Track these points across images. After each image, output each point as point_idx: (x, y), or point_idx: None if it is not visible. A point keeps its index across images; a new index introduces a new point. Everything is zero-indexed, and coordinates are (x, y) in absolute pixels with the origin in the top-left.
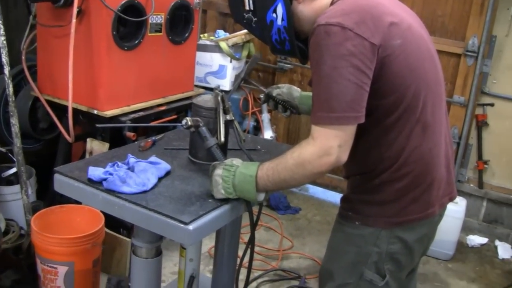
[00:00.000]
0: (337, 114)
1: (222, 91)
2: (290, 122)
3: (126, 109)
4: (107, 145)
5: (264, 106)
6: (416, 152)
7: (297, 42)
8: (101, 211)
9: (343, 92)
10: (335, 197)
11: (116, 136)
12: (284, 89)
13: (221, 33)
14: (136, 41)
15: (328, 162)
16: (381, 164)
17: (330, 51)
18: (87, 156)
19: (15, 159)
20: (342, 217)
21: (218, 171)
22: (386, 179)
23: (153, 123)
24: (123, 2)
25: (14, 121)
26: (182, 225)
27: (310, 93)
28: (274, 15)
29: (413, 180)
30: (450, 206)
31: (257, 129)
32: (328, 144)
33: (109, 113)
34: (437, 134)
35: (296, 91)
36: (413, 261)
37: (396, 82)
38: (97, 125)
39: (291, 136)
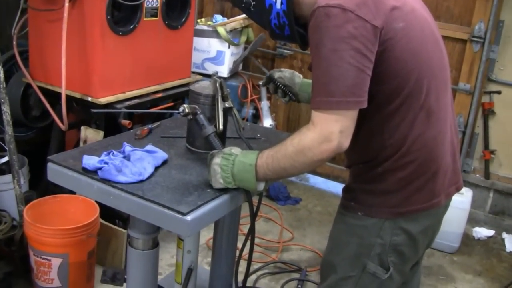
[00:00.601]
0: (337, 98)
1: (220, 77)
2: (290, 110)
3: (121, 96)
4: (101, 133)
5: (264, 93)
6: (420, 140)
7: (296, 27)
8: (96, 201)
9: (343, 76)
10: (337, 187)
11: (111, 124)
12: (286, 74)
13: (219, 18)
14: (131, 26)
15: (329, 148)
16: (383, 152)
17: (330, 33)
18: (81, 144)
19: (6, 148)
20: (344, 208)
21: (217, 160)
22: (389, 167)
23: (149, 110)
24: None
25: (6, 108)
26: (179, 216)
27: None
28: None
29: (417, 168)
30: (455, 197)
31: (256, 117)
32: (328, 129)
33: (103, 100)
34: (442, 121)
35: (298, 77)
36: (417, 254)
37: (398, 67)
38: (92, 110)
39: (291, 124)
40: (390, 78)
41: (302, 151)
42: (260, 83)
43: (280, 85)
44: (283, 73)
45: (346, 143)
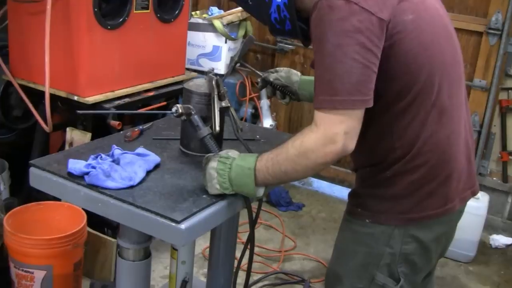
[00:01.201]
0: (342, 97)
1: (216, 74)
2: (291, 109)
3: (110, 95)
4: (89, 135)
5: (263, 92)
6: (432, 140)
7: (298, 22)
8: (83, 209)
9: (348, 73)
10: (342, 192)
11: (99, 125)
12: (282, 73)
13: (215, 10)
14: (120, 19)
15: (333, 150)
16: (392, 154)
17: (333, 27)
18: (66, 147)
19: None
20: (351, 214)
21: (213, 164)
22: (398, 170)
23: (140, 111)
24: None
25: None
26: (173, 224)
27: (311, 77)
28: None
29: (429, 171)
30: (470, 202)
31: (256, 116)
32: (332, 130)
33: (91, 99)
34: (456, 120)
35: (296, 75)
36: (430, 263)
37: (407, 62)
38: (78, 111)
39: (293, 125)
40: (399, 74)
41: (305, 153)
42: (260, 78)
43: (278, 87)
44: (279, 73)
45: (351, 145)
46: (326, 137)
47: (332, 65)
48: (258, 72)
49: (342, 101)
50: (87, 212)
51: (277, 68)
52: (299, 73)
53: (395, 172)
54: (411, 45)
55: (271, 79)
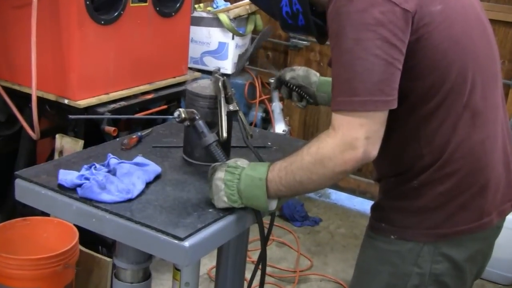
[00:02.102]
0: (362, 97)
1: (223, 74)
2: (306, 112)
3: (104, 98)
4: (81, 142)
5: (275, 93)
6: (465, 146)
7: (312, 17)
8: (75, 225)
9: (369, 71)
10: (364, 205)
11: (93, 131)
12: (299, 72)
13: (220, 3)
14: (116, 13)
15: (353, 157)
16: (420, 161)
17: (352, 20)
18: (56, 156)
19: None
20: (373, 230)
21: (220, 174)
22: (427, 180)
23: (138, 115)
24: None
25: None
26: (176, 242)
27: (330, 79)
28: None
29: (461, 180)
30: (510, 216)
31: (267, 121)
32: (352, 135)
33: (83, 102)
34: (491, 123)
35: (315, 75)
36: (464, 286)
37: (436, 58)
38: (69, 116)
39: (308, 130)
40: (427, 72)
41: (321, 161)
42: (271, 80)
43: (294, 87)
44: (296, 72)
45: (373, 151)
46: (345, 143)
47: (351, 62)
48: (274, 70)
49: (362, 102)
50: (79, 228)
51: (294, 67)
52: (318, 73)
53: (423, 182)
54: (440, 38)
55: (287, 78)
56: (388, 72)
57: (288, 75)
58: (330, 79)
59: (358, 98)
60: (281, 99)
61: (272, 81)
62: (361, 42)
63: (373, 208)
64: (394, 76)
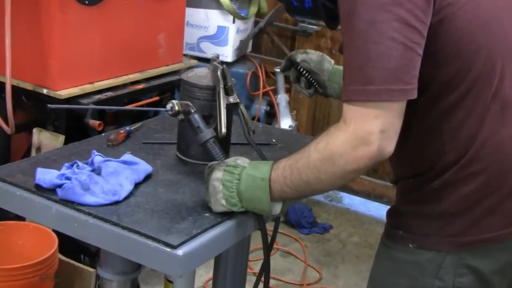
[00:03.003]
0: (377, 86)
1: (222, 63)
2: (316, 105)
3: (88, 87)
4: (62, 137)
5: (281, 84)
6: (493, 142)
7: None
8: (54, 230)
9: (384, 56)
10: (380, 210)
11: (75, 125)
12: (313, 56)
13: None
14: None
15: (366, 153)
16: (442, 159)
17: None
18: (33, 153)
19: None
20: (390, 238)
21: (218, 174)
22: (449, 180)
23: (126, 107)
24: None
25: None
26: (168, 250)
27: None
28: None
29: (489, 181)
30: None
31: (271, 115)
32: (365, 128)
33: (64, 93)
34: None
35: (328, 62)
36: None
37: (461, 43)
38: (48, 105)
39: (318, 125)
40: (451, 58)
41: (331, 158)
42: (277, 69)
43: (304, 72)
44: (309, 56)
45: (389, 146)
46: (358, 137)
47: (365, 46)
48: (285, 49)
49: (377, 91)
50: (58, 234)
51: (308, 50)
52: (332, 61)
53: (445, 183)
54: (466, 20)
55: (298, 60)
56: (406, 57)
57: (300, 57)
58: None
59: (372, 86)
60: (287, 91)
61: (278, 70)
62: (376, 24)
63: (389, 213)
64: (413, 62)
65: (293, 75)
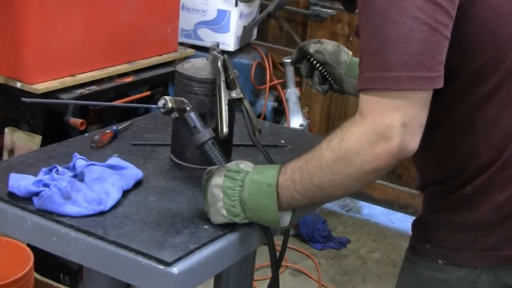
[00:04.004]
0: (397, 73)
1: (223, 52)
2: (331, 101)
3: (69, 81)
4: (38, 138)
5: (291, 76)
6: None
7: None
8: (29, 245)
9: (406, 38)
10: (405, 222)
11: (54, 124)
12: (328, 47)
13: None
14: None
15: (386, 150)
16: (475, 161)
17: None
18: (5, 156)
19: None
20: (415, 253)
21: (217, 180)
22: (484, 186)
23: (113, 103)
24: None
25: None
26: (161, 267)
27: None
28: None
29: None
30: None
31: (280, 113)
32: (384, 121)
33: (41, 87)
34: None
35: (346, 53)
36: None
37: (495, 25)
38: (22, 99)
39: (333, 124)
40: (482, 43)
41: (346, 157)
42: (287, 60)
43: (318, 65)
44: (324, 46)
45: (412, 142)
46: (376, 132)
47: (384, 27)
48: (297, 37)
49: (397, 78)
50: (35, 250)
51: (323, 40)
52: (350, 52)
53: (479, 188)
54: (501, 0)
55: (311, 51)
56: (431, 40)
57: (313, 47)
58: None
59: (391, 73)
60: (298, 85)
61: (287, 61)
62: (397, 1)
63: (415, 224)
64: (439, 46)
65: (305, 68)
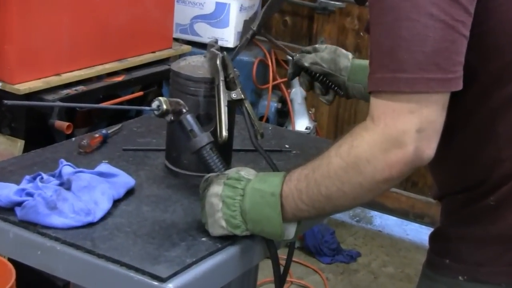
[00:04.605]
0: (410, 74)
1: (222, 49)
2: (340, 102)
3: (54, 80)
4: (21, 143)
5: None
6: None
7: None
8: (11, 260)
9: (420, 36)
10: (421, 233)
11: (38, 127)
12: (324, 54)
13: None
14: None
15: (400, 158)
16: (498, 169)
17: None
18: None
19: None
20: (433, 268)
21: (216, 189)
22: (508, 196)
23: (102, 105)
24: None
25: None
26: (156, 283)
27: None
28: None
29: None
30: None
31: (284, 114)
32: (398, 126)
33: (23, 87)
34: None
35: (345, 57)
36: None
37: None
38: (4, 101)
39: (342, 127)
40: (505, 41)
41: (356, 165)
42: (290, 58)
43: (317, 76)
44: (320, 55)
45: (428, 149)
46: (389, 138)
47: (396, 24)
48: (289, 52)
49: (410, 80)
50: (17, 265)
51: (317, 46)
52: (350, 55)
53: (503, 199)
54: None
55: (306, 64)
56: (447, 39)
57: (308, 59)
58: (367, 62)
59: (405, 74)
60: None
61: (291, 58)
62: None
63: (432, 237)
64: (456, 45)
65: (304, 82)
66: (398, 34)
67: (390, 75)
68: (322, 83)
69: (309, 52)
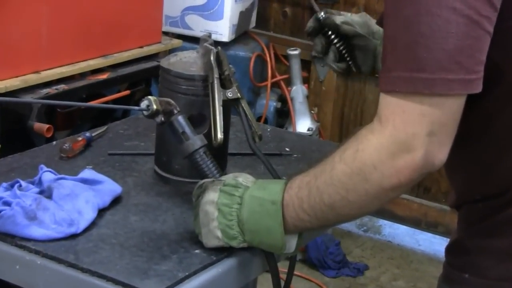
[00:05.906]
0: (430, 74)
1: (216, 43)
2: (345, 100)
3: (32, 78)
4: None
5: (297, 70)
6: None
7: None
8: None
9: (441, 32)
10: (433, 244)
11: (15, 130)
12: (355, 17)
13: None
14: None
15: (409, 164)
16: None
17: None
18: None
19: None
20: (451, 283)
21: (211, 196)
22: None
23: (86, 104)
24: None
25: None
26: None
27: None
28: None
29: None
30: None
31: (284, 114)
32: (407, 130)
33: None
34: None
35: (374, 24)
36: None
37: None
38: None
39: (347, 128)
40: None
41: (361, 171)
42: (292, 51)
43: (336, 41)
44: (350, 17)
45: (440, 154)
46: (397, 142)
47: (415, 19)
48: (315, 6)
49: (430, 81)
50: None
51: (343, 12)
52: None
53: None
54: None
55: (337, 22)
56: (471, 35)
57: (339, 18)
58: None
59: (424, 74)
60: (305, 81)
61: (293, 53)
62: None
63: (449, 249)
64: (480, 43)
65: (319, 44)
66: (417, 30)
67: (407, 75)
68: (338, 50)
69: (334, 14)
